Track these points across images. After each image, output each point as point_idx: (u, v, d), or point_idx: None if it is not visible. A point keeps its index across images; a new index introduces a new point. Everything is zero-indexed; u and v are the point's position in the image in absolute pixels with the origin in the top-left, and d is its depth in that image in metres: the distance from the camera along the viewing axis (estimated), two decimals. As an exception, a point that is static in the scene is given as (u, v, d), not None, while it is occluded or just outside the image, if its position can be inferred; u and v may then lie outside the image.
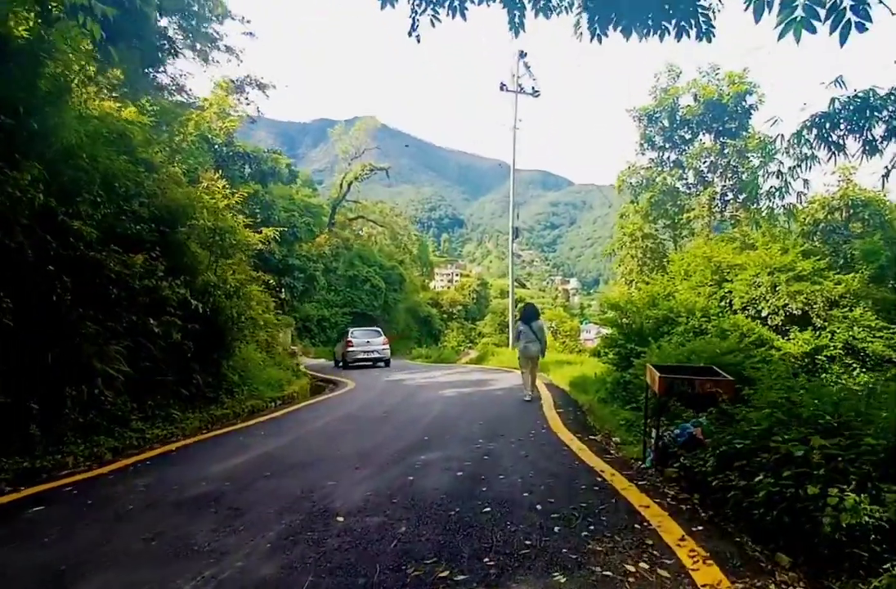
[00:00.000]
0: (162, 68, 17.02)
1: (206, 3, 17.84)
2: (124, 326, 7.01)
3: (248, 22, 19.15)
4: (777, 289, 8.97)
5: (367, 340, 19.42)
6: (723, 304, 9.40)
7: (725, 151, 21.20)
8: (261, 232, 12.09)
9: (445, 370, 16.96)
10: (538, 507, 3.56)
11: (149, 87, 13.87)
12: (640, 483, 4.16)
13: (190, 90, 18.70)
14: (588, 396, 8.78)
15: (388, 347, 19.79)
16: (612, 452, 5.39)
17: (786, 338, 8.67)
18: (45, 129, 6.07)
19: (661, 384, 4.52)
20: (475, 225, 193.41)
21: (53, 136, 6.20)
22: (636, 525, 3.26)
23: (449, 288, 65.67)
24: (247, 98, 21.22)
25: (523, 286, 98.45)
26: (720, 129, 21.39)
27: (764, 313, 9.00)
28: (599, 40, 3.57)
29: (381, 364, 19.36)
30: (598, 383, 8.91)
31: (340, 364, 20.01)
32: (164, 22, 16.59)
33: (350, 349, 19.12)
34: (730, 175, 21.40)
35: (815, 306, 8.71)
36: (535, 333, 9.01)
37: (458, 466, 4.64)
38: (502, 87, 18.70)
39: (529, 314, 9.30)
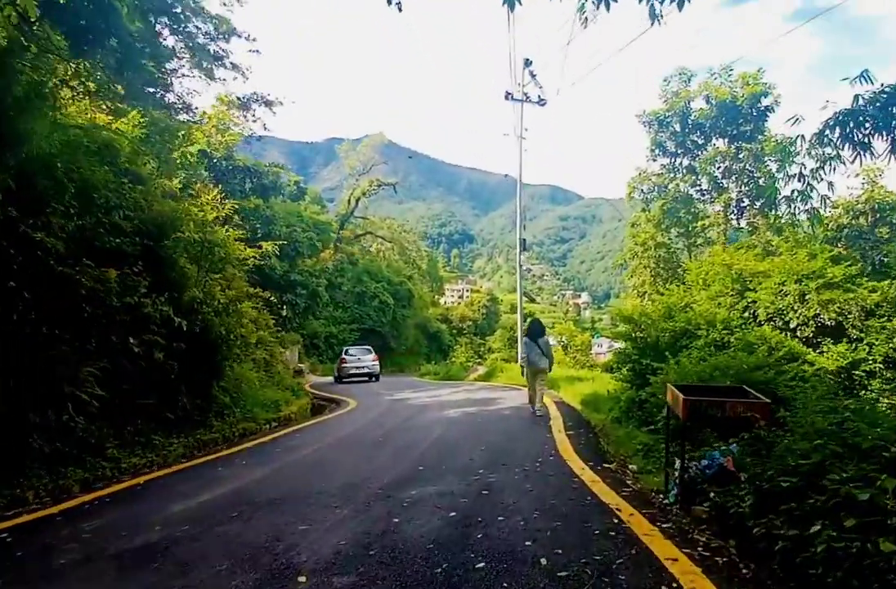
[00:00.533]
0: (170, 88, 17.02)
1: (211, 21, 17.85)
2: (100, 346, 6.54)
3: (255, 40, 19.13)
4: (806, 298, 8.27)
5: (358, 358, 21.40)
6: (746, 315, 8.72)
7: (741, 156, 20.34)
8: (260, 247, 11.73)
9: (452, 388, 16.35)
10: (543, 561, 2.93)
11: (157, 105, 13.70)
12: (663, 526, 3.52)
13: (196, 108, 18.64)
14: (601, 416, 8.19)
15: (377, 362, 21.65)
16: (628, 483, 4.75)
17: (818, 351, 7.94)
18: (11, 136, 5.69)
19: (686, 408, 3.91)
20: (485, 240, 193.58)
21: (25, 144, 5.82)
22: (663, 587, 2.63)
23: (459, 303, 65.24)
24: (254, 115, 21.12)
25: (533, 301, 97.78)
26: (734, 132, 20.55)
27: (792, 325, 8.29)
28: (607, 7, 3.08)
29: (373, 379, 20.90)
30: (611, 401, 8.32)
31: (336, 379, 21.60)
32: (171, 41, 16.55)
33: (344, 365, 21.09)
34: (746, 180, 20.51)
35: (849, 316, 7.98)
36: (542, 348, 8.79)
37: (452, 505, 4.03)
38: (507, 96, 18.32)
39: (536, 330, 9.14)
